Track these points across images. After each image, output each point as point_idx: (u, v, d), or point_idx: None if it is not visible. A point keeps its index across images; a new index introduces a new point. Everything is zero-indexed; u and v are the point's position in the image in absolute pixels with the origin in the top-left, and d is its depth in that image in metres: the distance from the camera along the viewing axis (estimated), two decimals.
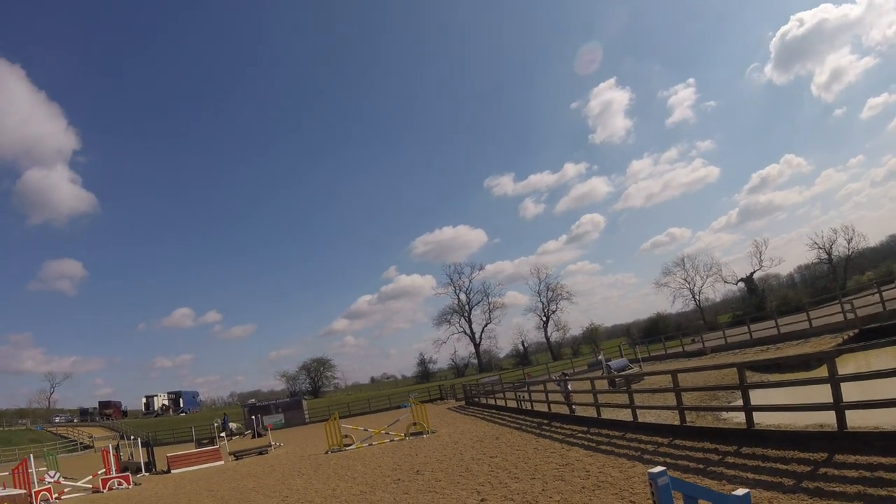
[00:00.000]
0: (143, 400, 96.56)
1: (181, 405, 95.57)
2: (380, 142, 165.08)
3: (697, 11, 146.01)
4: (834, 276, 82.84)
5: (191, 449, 35.41)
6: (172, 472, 28.19)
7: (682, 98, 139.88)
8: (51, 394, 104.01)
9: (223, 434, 35.48)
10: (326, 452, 25.83)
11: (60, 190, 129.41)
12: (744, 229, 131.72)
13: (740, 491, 4.37)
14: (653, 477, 4.66)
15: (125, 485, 24.67)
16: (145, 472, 28.95)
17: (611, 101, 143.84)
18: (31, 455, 24.05)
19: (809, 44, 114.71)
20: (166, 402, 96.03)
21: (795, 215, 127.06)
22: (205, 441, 43.15)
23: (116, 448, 30.11)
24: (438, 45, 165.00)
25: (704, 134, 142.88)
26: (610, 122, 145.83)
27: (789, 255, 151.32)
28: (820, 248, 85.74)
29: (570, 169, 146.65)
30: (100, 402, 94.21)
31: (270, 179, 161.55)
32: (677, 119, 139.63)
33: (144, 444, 31.83)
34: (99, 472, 25.62)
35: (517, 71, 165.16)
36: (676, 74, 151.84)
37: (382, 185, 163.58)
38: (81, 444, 63.67)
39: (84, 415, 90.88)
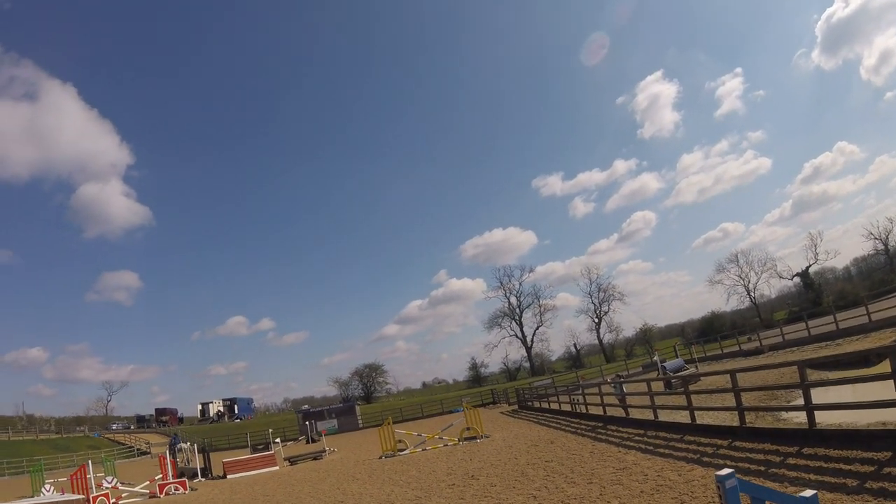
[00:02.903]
0: (199, 407, 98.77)
1: (236, 412, 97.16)
2: (426, 145, 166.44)
3: None
4: (891, 268, 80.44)
5: (246, 454, 35.95)
6: (228, 477, 28.68)
7: (731, 88, 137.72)
8: (108, 401, 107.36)
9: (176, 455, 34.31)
10: (380, 457, 26.02)
11: (115, 203, 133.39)
12: (798, 222, 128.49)
13: (808, 492, 4.33)
14: (720, 479, 4.62)
15: (182, 490, 25.14)
16: (201, 477, 29.47)
17: (658, 95, 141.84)
18: (90, 461, 24.66)
19: (856, 25, 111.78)
20: (221, 409, 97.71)
21: (850, 205, 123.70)
22: (260, 447, 43.76)
23: (173, 453, 30.75)
24: (481, 45, 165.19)
25: (755, 124, 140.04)
26: (658, 115, 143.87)
27: (845, 247, 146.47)
28: (876, 238, 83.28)
29: (620, 165, 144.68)
30: (156, 409, 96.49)
31: (319, 186, 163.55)
32: (726, 110, 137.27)
33: (200, 450, 32.41)
34: (156, 478, 26.20)
35: (560, 68, 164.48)
36: (723, 64, 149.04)
37: (430, 188, 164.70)
38: (138, 450, 65.05)
39: (141, 422, 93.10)
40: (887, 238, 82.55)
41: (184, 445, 38.50)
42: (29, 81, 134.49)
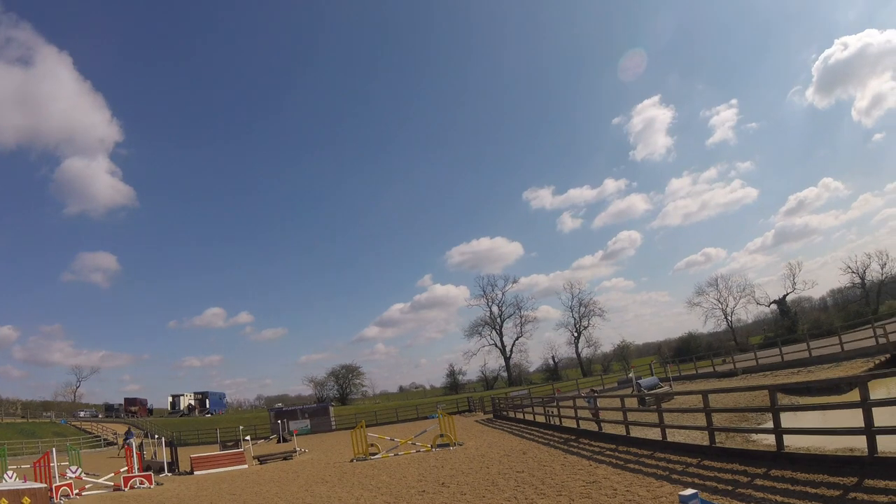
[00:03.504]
0: (170, 399, 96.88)
1: (207, 406, 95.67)
2: (420, 150, 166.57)
3: (743, 31, 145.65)
4: (867, 301, 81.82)
5: (215, 451, 35.67)
6: (195, 473, 28.37)
7: (724, 119, 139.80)
8: (77, 387, 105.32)
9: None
10: (352, 461, 25.94)
11: (100, 181, 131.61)
12: (779, 251, 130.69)
13: None
14: (684, 500, 4.70)
15: (147, 484, 24.76)
16: (168, 472, 29.15)
17: (653, 119, 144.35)
18: (54, 449, 24.28)
19: (852, 68, 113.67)
20: (192, 403, 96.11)
21: (831, 239, 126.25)
22: (229, 443, 43.46)
23: (140, 446, 30.40)
24: (481, 55, 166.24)
25: (744, 155, 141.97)
26: (651, 139, 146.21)
27: (823, 278, 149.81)
28: (853, 272, 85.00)
29: (610, 184, 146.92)
30: (125, 399, 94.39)
31: (308, 184, 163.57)
32: (718, 139, 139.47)
33: (168, 444, 32.04)
34: (121, 470, 25.88)
35: (560, 85, 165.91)
36: (720, 95, 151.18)
37: (421, 193, 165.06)
38: (105, 440, 64.09)
39: (109, 411, 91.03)
40: (864, 273, 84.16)
41: (133, 442, 38.38)
42: (25, 45, 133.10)
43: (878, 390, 21.68)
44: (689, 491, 4.79)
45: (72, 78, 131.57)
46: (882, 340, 32.27)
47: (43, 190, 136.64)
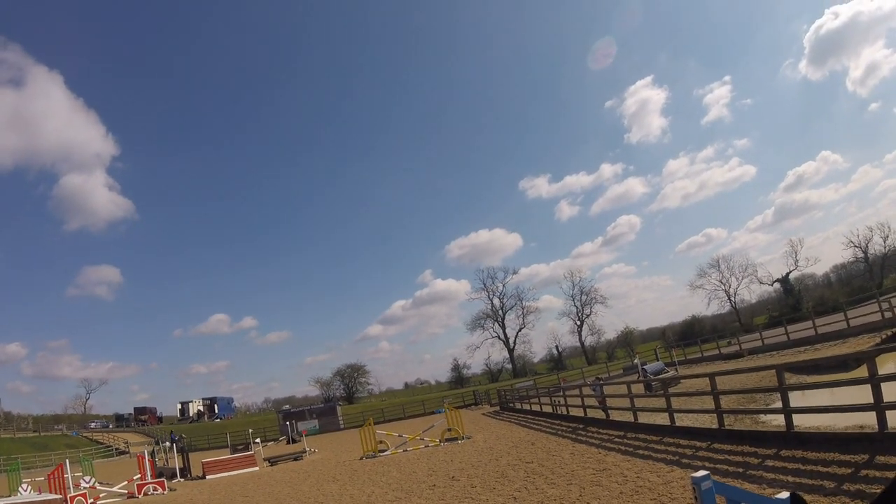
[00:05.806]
0: (179, 406, 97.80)
1: (216, 411, 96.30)
2: (414, 145, 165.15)
3: (733, 4, 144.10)
4: (870, 275, 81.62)
5: (226, 455, 35.74)
6: (207, 477, 28.44)
7: (718, 96, 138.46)
8: (86, 400, 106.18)
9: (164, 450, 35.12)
10: (361, 458, 25.95)
11: (98, 195, 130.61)
12: (780, 228, 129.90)
13: (783, 494, 4.33)
14: (696, 481, 4.63)
15: (160, 490, 24.94)
16: (180, 477, 29.25)
17: (647, 100, 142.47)
18: (67, 460, 24.42)
19: (844, 38, 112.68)
20: (201, 408, 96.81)
21: (831, 213, 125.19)
22: (240, 447, 43.53)
23: (152, 454, 30.48)
24: (470, 45, 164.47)
25: (741, 132, 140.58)
26: (646, 121, 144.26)
27: (825, 254, 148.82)
28: (856, 246, 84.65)
29: (607, 169, 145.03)
30: (135, 408, 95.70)
31: (305, 185, 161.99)
32: (713, 117, 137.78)
33: (179, 450, 32.16)
34: (134, 478, 25.99)
35: (551, 71, 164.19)
36: (712, 72, 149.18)
37: (418, 188, 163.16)
38: (117, 449, 64.32)
39: (120, 420, 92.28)
40: (867, 246, 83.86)
41: (165, 444, 38.40)
42: (16, 66, 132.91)
43: (887, 365, 21.61)
44: (702, 472, 4.71)
45: (64, 96, 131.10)
46: (888, 314, 32.27)
47: (42, 207, 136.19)
